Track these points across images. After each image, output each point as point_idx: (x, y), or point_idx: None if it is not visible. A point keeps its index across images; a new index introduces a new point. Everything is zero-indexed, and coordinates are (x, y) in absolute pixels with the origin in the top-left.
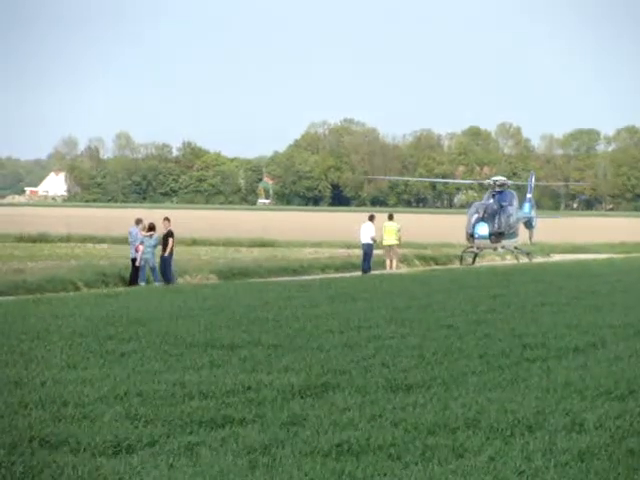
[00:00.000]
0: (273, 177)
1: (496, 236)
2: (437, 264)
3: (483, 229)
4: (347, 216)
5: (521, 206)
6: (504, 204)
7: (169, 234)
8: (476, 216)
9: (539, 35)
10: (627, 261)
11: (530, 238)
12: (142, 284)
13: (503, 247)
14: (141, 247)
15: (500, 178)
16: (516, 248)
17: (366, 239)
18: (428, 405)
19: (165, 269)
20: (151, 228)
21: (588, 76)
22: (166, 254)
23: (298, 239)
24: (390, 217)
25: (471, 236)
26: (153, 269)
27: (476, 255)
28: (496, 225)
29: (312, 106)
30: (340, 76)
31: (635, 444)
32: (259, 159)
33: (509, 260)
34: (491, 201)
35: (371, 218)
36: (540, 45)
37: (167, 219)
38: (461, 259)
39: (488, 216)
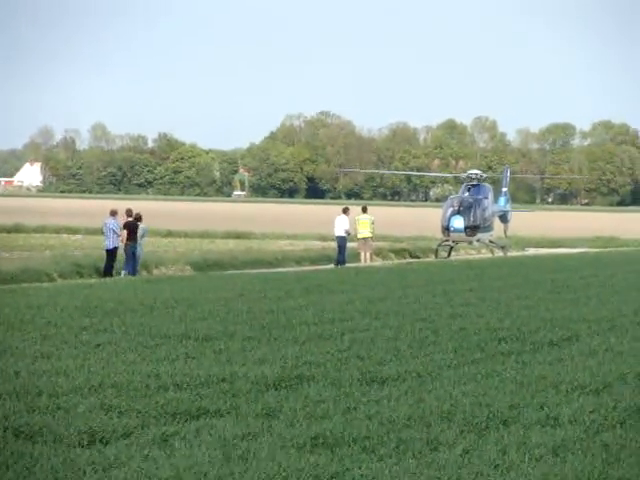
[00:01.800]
0: (249, 169)
1: (471, 229)
2: (412, 257)
3: (458, 222)
4: (322, 209)
5: (496, 200)
6: (479, 197)
7: (126, 225)
8: (451, 209)
9: (517, 29)
10: (602, 255)
11: (505, 232)
12: (124, 273)
13: (478, 240)
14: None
15: (475, 172)
16: (491, 242)
17: (340, 232)
18: (402, 398)
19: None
20: (137, 219)
21: (564, 70)
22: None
23: (273, 231)
24: (364, 210)
25: (446, 229)
26: (137, 260)
27: (451, 248)
28: (471, 218)
29: (288, 98)
30: (316, 68)
31: (610, 438)
32: (235, 151)
33: (484, 254)
34: (466, 194)
35: (345, 211)
36: (517, 39)
37: (128, 210)
38: (436, 252)
39: (464, 209)
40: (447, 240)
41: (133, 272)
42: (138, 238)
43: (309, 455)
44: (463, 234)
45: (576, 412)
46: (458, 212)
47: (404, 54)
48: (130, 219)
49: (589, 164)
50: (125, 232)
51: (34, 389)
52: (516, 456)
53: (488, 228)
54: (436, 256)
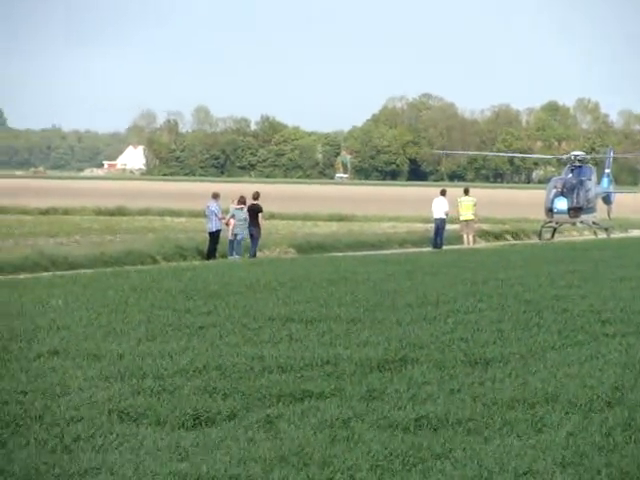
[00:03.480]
0: (351, 151)
1: (575, 211)
2: (515, 239)
3: (562, 204)
4: (425, 191)
5: (599, 181)
6: (583, 179)
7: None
8: (555, 191)
9: (616, 10)
10: None
11: (608, 213)
12: (237, 257)
13: (582, 222)
14: (232, 221)
15: (579, 153)
16: (594, 223)
17: (439, 214)
18: (507, 380)
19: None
20: (241, 202)
21: None
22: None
23: (376, 213)
24: (466, 192)
25: (550, 211)
26: (239, 242)
27: (555, 230)
28: (575, 200)
29: (390, 80)
30: (418, 50)
31: None
32: (337, 133)
33: (587, 235)
34: (570, 176)
35: (443, 192)
36: (618, 20)
37: (255, 193)
38: (540, 234)
39: (567, 191)
40: (550, 222)
41: (253, 254)
42: (260, 220)
43: (413, 437)
44: (566, 215)
45: None
46: (561, 193)
47: (506, 36)
48: (255, 202)
49: None
50: (247, 214)
51: (139, 371)
52: (621, 438)
53: (591, 209)
54: (540, 238)
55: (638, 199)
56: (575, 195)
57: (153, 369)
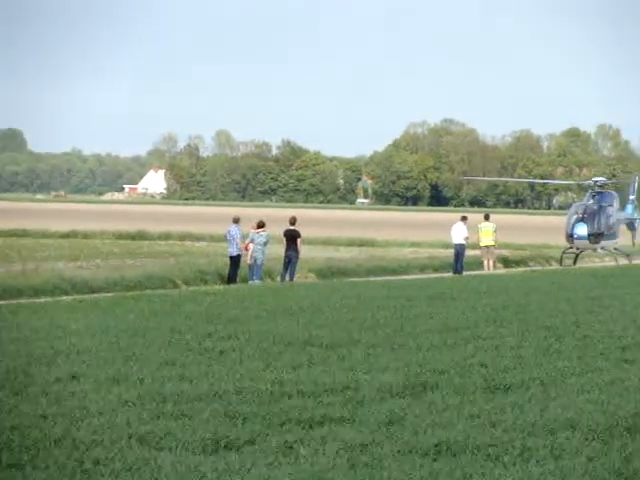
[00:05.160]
0: (372, 177)
1: (595, 237)
2: (536, 265)
3: (582, 229)
4: (446, 216)
5: (624, 208)
6: (604, 205)
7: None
8: (575, 217)
9: (638, 37)
10: None
11: (633, 240)
12: (257, 282)
13: (602, 248)
14: (251, 245)
15: (600, 179)
16: (616, 249)
17: (458, 239)
18: (526, 406)
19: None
20: (260, 226)
21: None
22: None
23: (397, 239)
24: (486, 217)
25: (570, 236)
26: (259, 267)
27: (577, 256)
28: (595, 225)
29: (411, 106)
30: (440, 76)
31: None
32: (358, 159)
33: (609, 262)
34: (591, 202)
35: (464, 218)
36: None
37: (291, 218)
38: (561, 260)
39: (588, 216)
40: (571, 247)
41: (291, 278)
42: (298, 245)
43: (433, 462)
44: (586, 241)
45: None
46: (582, 219)
47: (527, 62)
48: (291, 227)
49: None
50: (266, 238)
51: (158, 395)
52: None
53: (612, 236)
54: (561, 264)
55: None
56: (596, 221)
57: (173, 393)
